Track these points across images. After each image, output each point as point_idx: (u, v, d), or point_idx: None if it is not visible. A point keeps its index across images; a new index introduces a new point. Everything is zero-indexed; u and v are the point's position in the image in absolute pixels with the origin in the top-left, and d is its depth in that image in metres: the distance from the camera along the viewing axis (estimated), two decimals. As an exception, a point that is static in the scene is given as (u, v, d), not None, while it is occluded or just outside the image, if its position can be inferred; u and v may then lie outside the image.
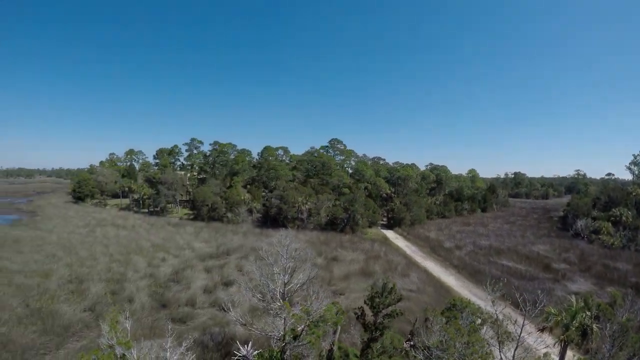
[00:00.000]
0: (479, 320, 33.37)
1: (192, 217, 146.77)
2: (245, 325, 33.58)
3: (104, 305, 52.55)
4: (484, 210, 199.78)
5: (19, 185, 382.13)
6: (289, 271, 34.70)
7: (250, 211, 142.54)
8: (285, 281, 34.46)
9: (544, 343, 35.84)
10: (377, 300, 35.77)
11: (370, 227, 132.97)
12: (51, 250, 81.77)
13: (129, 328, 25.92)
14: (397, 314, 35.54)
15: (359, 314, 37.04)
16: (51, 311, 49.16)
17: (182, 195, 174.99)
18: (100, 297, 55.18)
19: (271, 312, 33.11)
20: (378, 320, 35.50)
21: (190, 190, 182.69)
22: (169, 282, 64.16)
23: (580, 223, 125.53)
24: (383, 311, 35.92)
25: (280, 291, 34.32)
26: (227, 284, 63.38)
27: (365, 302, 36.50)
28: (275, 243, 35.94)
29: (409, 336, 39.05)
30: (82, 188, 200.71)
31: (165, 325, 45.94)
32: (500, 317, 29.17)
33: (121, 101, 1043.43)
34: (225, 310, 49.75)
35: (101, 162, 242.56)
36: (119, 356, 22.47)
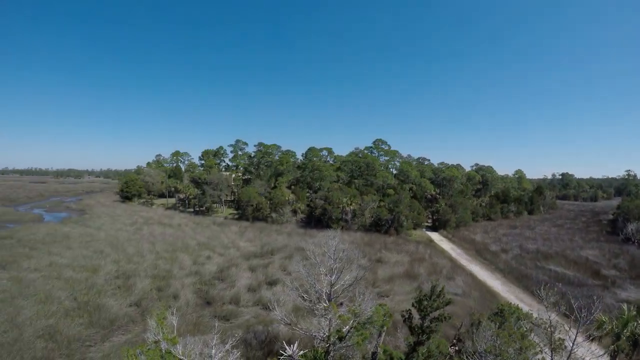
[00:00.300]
0: (528, 327, 32.05)
1: (236, 216, 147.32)
2: (290, 325, 32.85)
3: (150, 301, 52.65)
4: (530, 212, 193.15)
5: (69, 185, 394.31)
6: (336, 272, 33.75)
7: (294, 212, 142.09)
8: (332, 282, 33.54)
9: (592, 353, 34.21)
10: (425, 303, 34.49)
11: (414, 228, 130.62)
12: (99, 247, 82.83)
13: (175, 324, 25.56)
14: (445, 317, 34.16)
15: (406, 316, 35.83)
16: (98, 305, 49.53)
17: (227, 195, 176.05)
18: (146, 293, 55.25)
19: (316, 312, 32.20)
20: (425, 324, 34.27)
21: (235, 190, 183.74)
22: (213, 280, 63.93)
23: (631, 227, 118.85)
24: (431, 314, 34.66)
25: (326, 292, 33.39)
26: (271, 283, 62.72)
27: (413, 305, 35.22)
28: (322, 243, 35.07)
29: (454, 341, 37.75)
30: (130, 188, 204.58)
31: (210, 322, 45.98)
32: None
33: (168, 104, 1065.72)
34: (269, 309, 49.61)
35: (148, 164, 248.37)
36: (164, 351, 22.08)
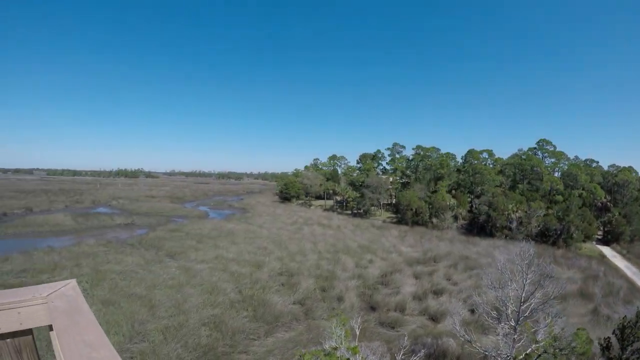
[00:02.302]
0: None
1: (394, 220, 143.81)
2: (469, 342, 29.03)
3: (314, 300, 51.11)
4: None
5: (230, 186, 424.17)
6: (526, 287, 29.14)
7: (455, 217, 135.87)
8: (522, 298, 28.99)
9: None
10: (627, 331, 28.74)
11: (583, 241, 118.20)
12: (262, 244, 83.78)
13: (357, 332, 23.15)
14: (651, 350, 28.06)
15: (604, 345, 30.16)
16: (262, 300, 48.92)
17: (385, 198, 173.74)
18: (309, 292, 53.79)
19: (498, 330, 28.14)
20: (624, 356, 28.43)
21: (393, 193, 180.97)
22: (377, 285, 60.91)
23: None
24: (634, 345, 28.79)
25: (512, 309, 29.02)
26: (437, 292, 58.17)
27: (613, 332, 29.55)
28: (514, 255, 30.85)
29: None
30: (289, 189, 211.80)
31: (375, 329, 43.09)
32: None
33: (322, 110, 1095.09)
34: (435, 320, 45.84)
35: (306, 167, 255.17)
36: (342, 360, 19.44)
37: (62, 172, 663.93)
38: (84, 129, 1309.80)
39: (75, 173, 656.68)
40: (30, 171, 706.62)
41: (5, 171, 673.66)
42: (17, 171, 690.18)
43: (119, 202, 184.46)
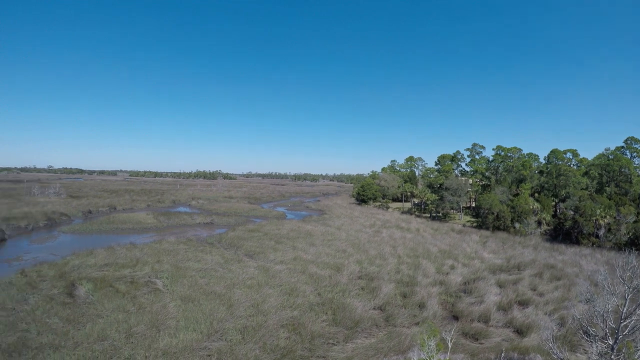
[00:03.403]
0: None
1: (474, 224, 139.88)
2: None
3: (394, 307, 49.65)
4: None
5: (306, 187, 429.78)
6: (627, 302, 26.78)
7: (538, 222, 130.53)
8: (623, 314, 26.64)
9: None
10: None
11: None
12: (340, 246, 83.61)
13: (449, 345, 22.03)
14: None
15: None
16: (342, 304, 48.15)
17: (465, 201, 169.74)
18: (390, 298, 52.51)
19: (591, 349, 26.05)
20: None
21: (473, 196, 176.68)
22: (459, 292, 58.95)
23: None
24: None
25: (611, 326, 26.79)
26: (522, 303, 55.58)
27: None
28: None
29: None
30: (366, 191, 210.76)
31: (458, 340, 41.43)
32: None
33: (399, 110, 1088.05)
34: (520, 333, 43.61)
35: (383, 169, 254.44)
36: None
37: (144, 174, 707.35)
38: (166, 132, 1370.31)
39: (156, 174, 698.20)
40: (114, 172, 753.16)
41: (91, 172, 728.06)
42: (102, 172, 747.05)
43: (198, 202, 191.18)
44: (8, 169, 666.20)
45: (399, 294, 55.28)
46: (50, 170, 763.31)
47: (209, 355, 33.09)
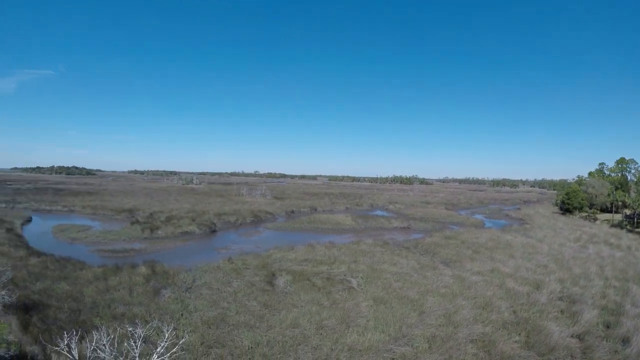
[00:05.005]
0: None
1: None
2: None
3: (595, 337, 43.12)
4: None
5: (505, 193, 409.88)
6: None
7: None
8: None
9: None
10: None
11: None
12: (542, 261, 79.49)
13: None
14: None
15: None
16: (538, 326, 45.14)
17: None
18: (591, 326, 46.89)
19: None
20: None
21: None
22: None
23: None
24: None
25: None
26: None
27: None
28: None
29: None
30: (571, 199, 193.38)
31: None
32: None
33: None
34: None
35: (590, 173, 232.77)
36: None
37: (342, 178, 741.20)
38: (364, 137, 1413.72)
39: (354, 179, 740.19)
40: (314, 177, 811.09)
41: (293, 177, 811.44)
42: (302, 177, 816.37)
43: (395, 206, 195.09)
44: (219, 174, 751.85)
45: (601, 322, 51.06)
46: (256, 174, 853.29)
47: (393, 359, 34.06)
